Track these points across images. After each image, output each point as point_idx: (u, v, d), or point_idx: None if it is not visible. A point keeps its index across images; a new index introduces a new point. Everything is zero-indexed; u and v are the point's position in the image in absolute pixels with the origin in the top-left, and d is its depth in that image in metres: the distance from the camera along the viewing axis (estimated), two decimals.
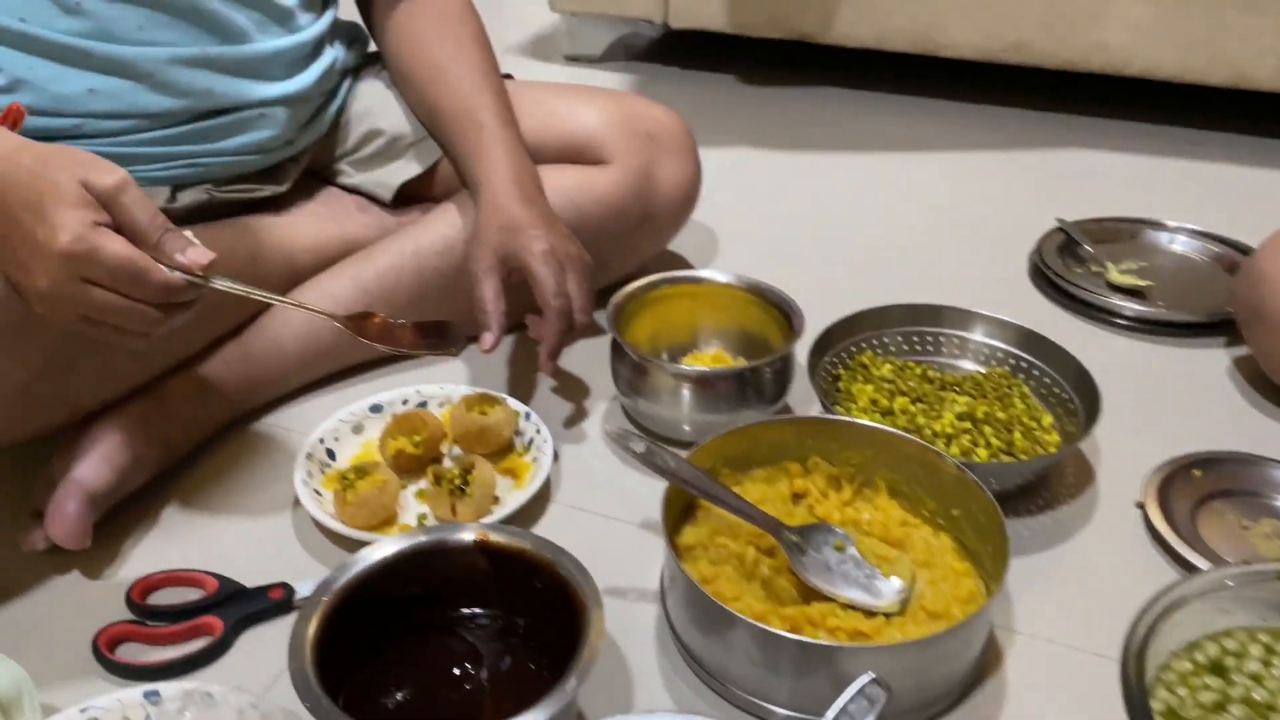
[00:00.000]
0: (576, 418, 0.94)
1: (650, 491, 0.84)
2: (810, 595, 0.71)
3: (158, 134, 0.84)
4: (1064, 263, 1.16)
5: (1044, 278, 1.15)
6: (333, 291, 0.94)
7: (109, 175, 0.62)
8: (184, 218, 0.88)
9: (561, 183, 0.96)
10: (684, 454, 0.74)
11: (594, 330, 0.98)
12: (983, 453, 0.84)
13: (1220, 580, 0.58)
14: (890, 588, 0.71)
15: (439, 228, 0.97)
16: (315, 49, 0.94)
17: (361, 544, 0.75)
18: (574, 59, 1.84)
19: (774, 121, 1.60)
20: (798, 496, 0.80)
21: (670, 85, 1.74)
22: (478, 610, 0.67)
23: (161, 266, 0.63)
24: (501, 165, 0.90)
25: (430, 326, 0.80)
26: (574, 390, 0.98)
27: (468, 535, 0.66)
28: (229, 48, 0.85)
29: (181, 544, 0.79)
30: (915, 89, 1.72)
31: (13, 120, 0.69)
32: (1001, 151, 1.51)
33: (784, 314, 0.91)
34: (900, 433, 0.78)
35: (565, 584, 0.62)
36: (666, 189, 1.03)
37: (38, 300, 0.63)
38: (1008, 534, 0.68)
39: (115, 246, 0.61)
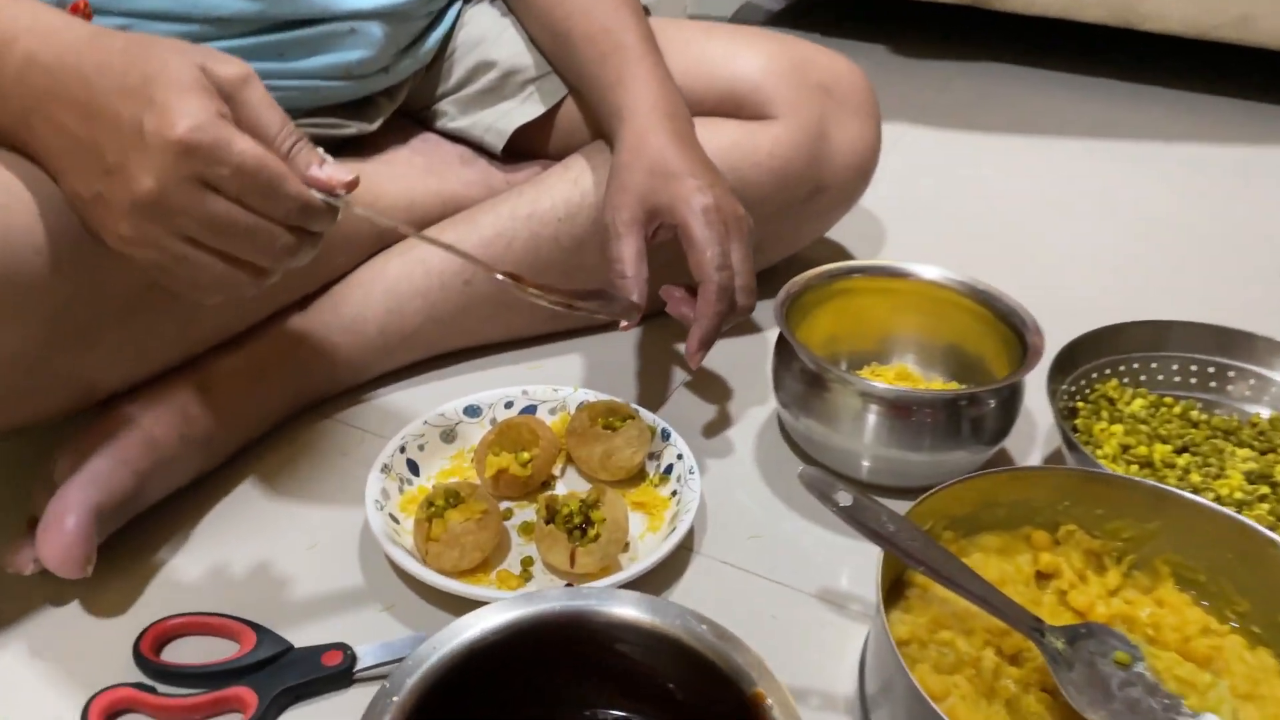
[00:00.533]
0: (721, 437, 0.73)
1: (827, 547, 0.64)
2: None
3: (225, 44, 0.66)
4: None
5: None
6: (426, 258, 0.75)
7: (231, 64, 0.47)
8: None
9: (715, 139, 0.75)
10: (897, 509, 0.52)
11: (747, 323, 0.78)
12: None
13: None
14: None
15: (560, 187, 0.77)
16: None
17: (448, 596, 0.56)
18: (699, 20, 1.63)
19: (936, 99, 1.37)
20: (1044, 577, 0.58)
21: None
22: (616, 714, 0.47)
23: (297, 169, 0.48)
24: (649, 93, 0.70)
25: (589, 291, 0.62)
26: (717, 399, 0.77)
27: (612, 609, 0.46)
28: None
29: (213, 578, 0.60)
30: (1106, 69, 1.47)
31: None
32: (1228, 147, 1.25)
33: (1012, 328, 0.69)
34: (1204, 501, 0.55)
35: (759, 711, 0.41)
36: (843, 155, 0.82)
37: (128, 215, 0.46)
38: None
39: (247, 143, 0.46)
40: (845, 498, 0.52)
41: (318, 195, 0.48)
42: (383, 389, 0.76)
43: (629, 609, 0.45)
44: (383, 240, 0.76)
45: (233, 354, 0.67)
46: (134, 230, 0.46)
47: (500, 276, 0.54)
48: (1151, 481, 0.57)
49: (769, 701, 0.42)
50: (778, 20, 1.67)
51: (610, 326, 0.82)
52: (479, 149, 0.83)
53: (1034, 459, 0.72)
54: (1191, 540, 0.56)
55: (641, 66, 0.72)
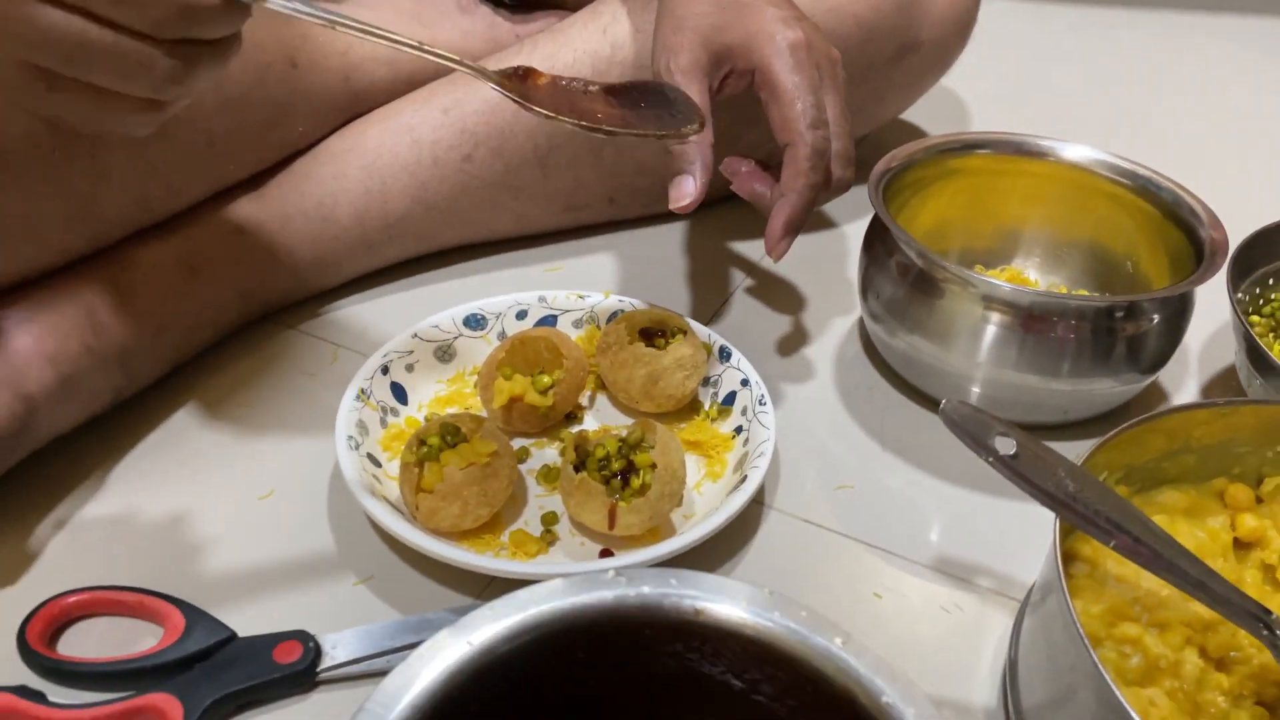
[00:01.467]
0: (792, 356, 0.58)
1: (941, 500, 0.49)
2: None
3: None
4: None
5: None
6: (414, 125, 0.59)
7: None
8: None
9: None
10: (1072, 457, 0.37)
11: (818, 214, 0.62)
12: None
13: None
14: None
15: (585, 38, 0.60)
16: None
17: (445, 566, 0.42)
18: None
19: None
20: (1242, 545, 0.43)
21: None
22: None
23: None
24: None
25: (633, 92, 0.45)
26: (788, 308, 0.61)
27: (676, 597, 0.31)
28: None
29: (131, 539, 0.45)
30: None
31: None
32: None
33: (1178, 225, 0.53)
34: None
35: None
36: (939, 5, 0.66)
37: None
38: None
39: None
40: (1007, 444, 0.37)
41: None
42: (359, 294, 0.60)
43: (730, 608, 0.30)
44: (359, 104, 0.59)
45: (160, 241, 0.51)
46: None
47: (494, 86, 0.39)
48: None
49: None
50: None
51: (648, 220, 0.67)
52: None
53: (1189, 390, 0.57)
54: None
55: None
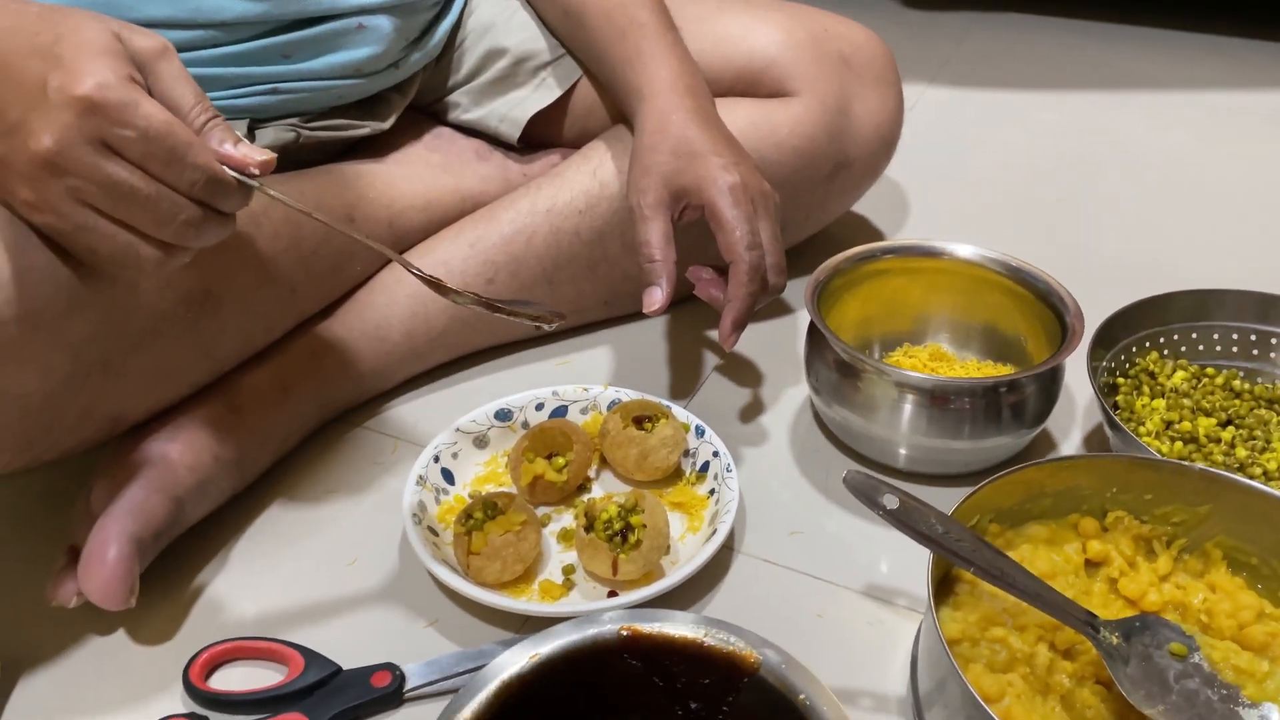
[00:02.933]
0: (755, 430, 0.72)
1: (870, 540, 0.63)
2: (1130, 717, 0.49)
3: (229, 50, 0.65)
4: None
5: None
6: (448, 259, 0.73)
7: (150, 37, 0.47)
8: None
9: (732, 121, 0.73)
10: (938, 504, 0.52)
11: (776, 304, 0.77)
12: None
13: None
14: None
15: (579, 179, 0.75)
16: None
17: (489, 608, 0.56)
18: None
19: (955, 54, 1.34)
20: (1093, 565, 0.57)
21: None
22: None
23: (209, 146, 0.47)
24: (668, 71, 0.69)
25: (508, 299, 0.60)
26: (749, 386, 0.76)
27: (674, 629, 0.45)
28: None
29: (255, 600, 0.60)
30: (1127, 16, 1.43)
31: None
32: (1255, 92, 1.22)
33: (1050, 308, 0.67)
34: (1253, 484, 0.54)
35: None
36: (865, 129, 0.80)
37: (28, 175, 0.44)
38: None
39: (155, 108, 0.45)
40: (892, 500, 0.51)
41: (230, 172, 0.47)
42: (410, 393, 0.75)
43: (666, 628, 0.44)
44: (401, 244, 0.74)
45: (258, 370, 0.66)
46: (33, 193, 0.45)
47: (416, 271, 0.53)
48: (1200, 465, 0.56)
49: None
50: None
51: (637, 316, 0.82)
52: (494, 140, 0.81)
53: (1075, 438, 0.71)
54: (1243, 523, 0.55)
55: (659, 43, 0.70)
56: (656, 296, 0.64)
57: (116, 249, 0.46)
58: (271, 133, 0.68)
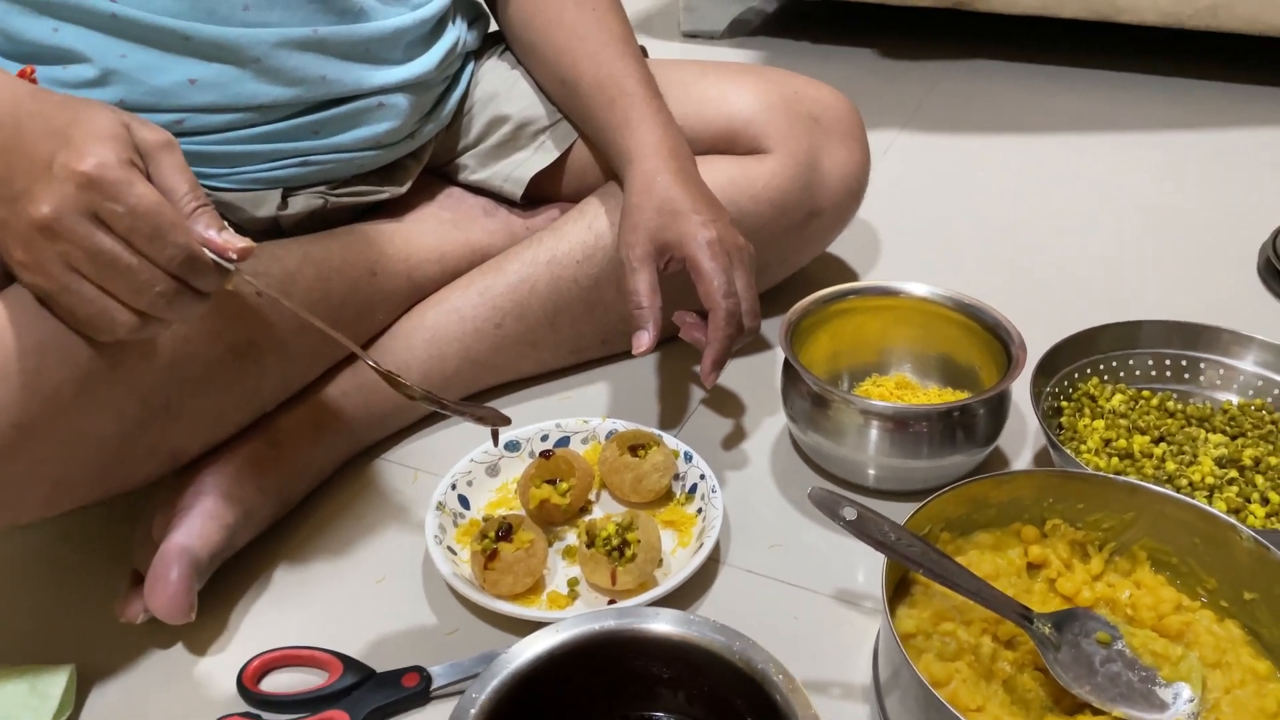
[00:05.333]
0: (738, 455, 0.80)
1: (840, 551, 0.71)
2: (1064, 698, 0.57)
3: (266, 129, 0.73)
4: None
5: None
6: (460, 307, 0.82)
7: (155, 131, 0.52)
8: (294, 227, 0.77)
9: (714, 177, 0.82)
10: (894, 515, 0.59)
11: (756, 341, 0.84)
12: (1258, 510, 0.68)
13: None
14: (1177, 697, 0.55)
15: (575, 232, 0.84)
16: (437, 27, 0.82)
17: (506, 617, 0.64)
18: (693, 35, 1.69)
19: (926, 101, 1.43)
20: (1034, 567, 0.65)
21: (803, 62, 1.57)
22: (663, 716, 0.55)
23: (193, 229, 0.52)
24: (653, 136, 0.77)
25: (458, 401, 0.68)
26: (733, 416, 0.84)
27: (651, 626, 0.53)
28: (344, 26, 0.73)
29: (297, 612, 0.68)
30: (1087, 60, 1.52)
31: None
32: (1202, 131, 1.31)
33: (998, 339, 0.76)
34: (1170, 493, 0.62)
35: (780, 712, 0.49)
36: (834, 181, 0.89)
37: (24, 238, 0.50)
38: None
39: (146, 188, 0.50)
40: (850, 512, 0.59)
41: (209, 254, 0.52)
42: (428, 428, 0.83)
43: (659, 625, 0.52)
44: (419, 293, 0.83)
45: (294, 410, 0.74)
46: (27, 254, 0.50)
47: (372, 364, 0.60)
48: (1124, 477, 0.63)
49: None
50: (768, 28, 1.73)
51: (631, 354, 0.90)
52: (499, 198, 0.90)
53: (1026, 455, 0.78)
54: (1164, 527, 0.62)
55: (645, 110, 0.79)
56: (644, 340, 0.73)
57: (94, 312, 0.51)
58: (303, 200, 0.76)
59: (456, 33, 0.85)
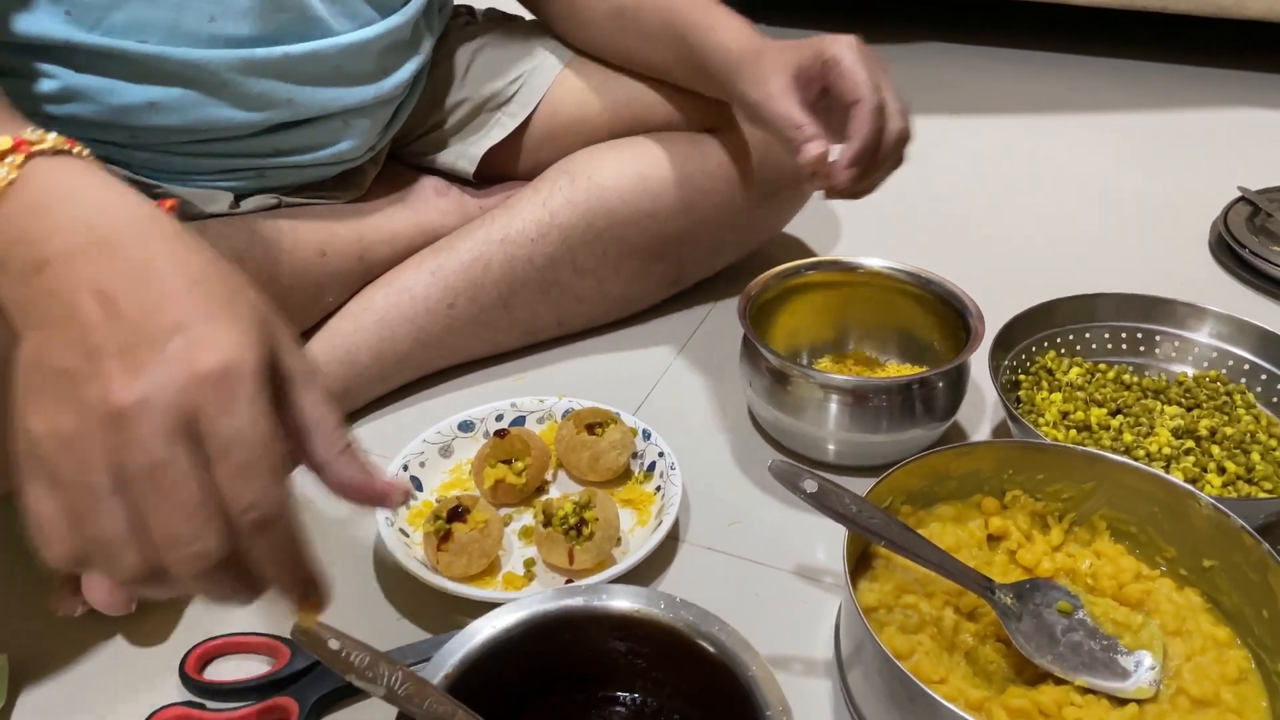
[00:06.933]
0: (699, 433, 0.79)
1: (801, 526, 0.70)
2: (1026, 669, 0.56)
3: (223, 145, 0.70)
4: (1257, 238, 0.98)
5: (1231, 255, 0.98)
6: (411, 286, 0.80)
7: (304, 359, 0.39)
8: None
9: (671, 150, 0.81)
10: (855, 489, 0.59)
11: (715, 318, 0.83)
12: (1215, 480, 0.68)
13: None
14: (1139, 665, 0.55)
15: (530, 210, 0.82)
16: (411, 40, 0.79)
17: (460, 599, 0.62)
18: None
19: None
20: (994, 539, 0.64)
21: None
22: (625, 694, 0.53)
23: (341, 470, 0.39)
24: (742, 25, 0.76)
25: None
26: (692, 396, 0.83)
27: (607, 603, 0.52)
28: (312, 44, 0.70)
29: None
30: (1037, 42, 1.53)
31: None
32: (1154, 112, 1.32)
33: (957, 313, 0.75)
34: (1130, 462, 0.62)
35: (741, 686, 0.47)
36: (790, 160, 0.87)
37: (79, 406, 0.35)
38: None
39: (267, 416, 0.35)
40: (811, 485, 0.58)
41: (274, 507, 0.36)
42: (380, 411, 0.81)
43: (619, 601, 0.51)
44: (371, 274, 0.80)
45: None
46: (67, 427, 0.35)
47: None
48: (1082, 447, 0.63)
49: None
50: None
51: (590, 333, 0.89)
52: (452, 177, 0.88)
53: (984, 429, 0.78)
54: (1123, 497, 0.62)
55: (720, 10, 0.78)
56: (814, 147, 0.66)
57: (100, 538, 0.35)
58: (255, 200, 0.74)
59: (429, 45, 0.82)
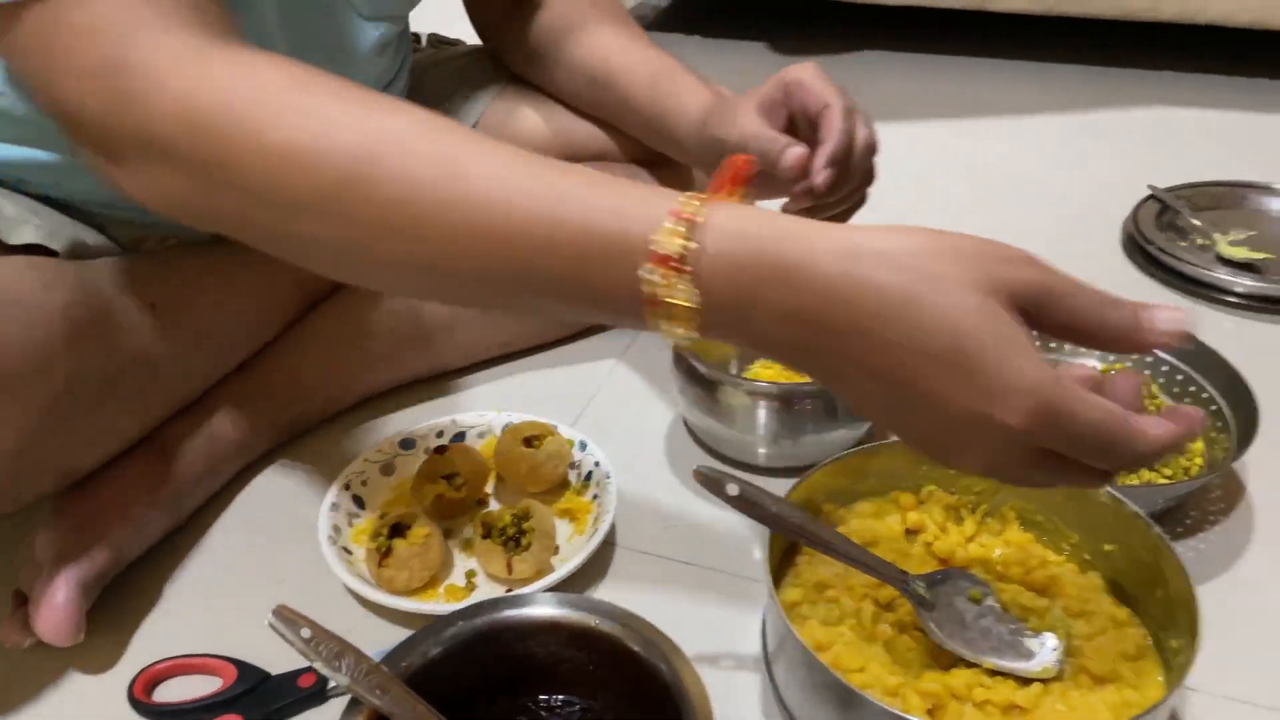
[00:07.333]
0: (635, 442, 0.82)
1: (732, 529, 0.73)
2: (942, 655, 0.59)
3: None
4: (1164, 235, 1.03)
5: (1141, 252, 1.03)
6: (355, 313, 0.82)
7: (1023, 268, 0.43)
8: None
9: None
10: (781, 491, 0.62)
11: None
12: None
13: None
14: (1043, 646, 0.59)
15: None
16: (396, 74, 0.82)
17: (403, 613, 0.64)
18: None
19: None
20: (912, 533, 0.68)
21: (694, 55, 1.59)
22: (560, 698, 0.56)
23: (1143, 426, 0.43)
24: (705, 90, 0.79)
25: None
26: (630, 409, 0.85)
27: (536, 611, 0.54)
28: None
29: (190, 623, 0.67)
30: (966, 48, 1.58)
31: (744, 178, 0.57)
32: (1073, 113, 1.38)
33: None
34: None
35: (667, 684, 0.50)
36: None
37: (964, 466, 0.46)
38: (1189, 582, 0.56)
39: (1086, 410, 0.42)
40: (734, 488, 0.61)
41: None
42: (322, 430, 0.83)
43: (550, 609, 0.53)
44: (311, 299, 0.82)
45: (185, 421, 0.73)
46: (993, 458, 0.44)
47: None
48: None
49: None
50: (661, 24, 1.75)
51: (531, 351, 0.91)
52: None
53: None
54: (1029, 488, 0.66)
55: (689, 78, 0.80)
56: (795, 152, 0.67)
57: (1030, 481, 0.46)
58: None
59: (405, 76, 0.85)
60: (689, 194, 0.44)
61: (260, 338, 0.79)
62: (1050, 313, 0.43)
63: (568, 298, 0.45)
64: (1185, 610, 0.55)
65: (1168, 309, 0.45)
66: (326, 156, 0.44)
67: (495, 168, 0.44)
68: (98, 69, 0.46)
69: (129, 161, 0.47)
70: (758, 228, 0.43)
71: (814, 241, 0.42)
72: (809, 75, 0.70)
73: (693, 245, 0.42)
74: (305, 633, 0.49)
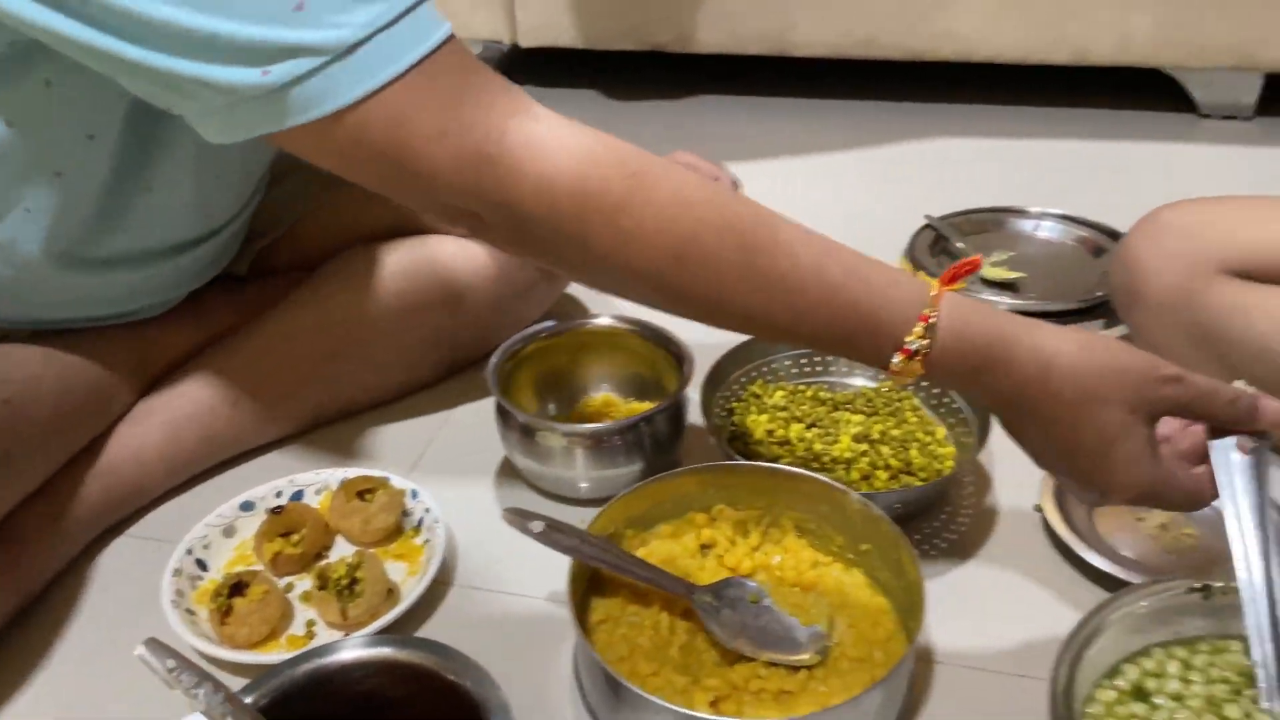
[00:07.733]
0: (468, 487, 0.89)
1: (555, 561, 0.80)
2: (729, 654, 0.69)
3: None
4: (937, 260, 1.17)
5: None
6: (193, 390, 0.86)
7: (1161, 386, 0.59)
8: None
9: (439, 251, 0.91)
10: (584, 523, 0.70)
11: (477, 383, 0.94)
12: (882, 474, 0.83)
13: (1135, 602, 0.58)
14: (811, 637, 0.68)
15: (311, 308, 0.90)
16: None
17: (246, 665, 0.70)
18: None
19: (642, 136, 1.55)
20: (706, 547, 0.77)
21: None
22: None
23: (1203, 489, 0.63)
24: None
25: None
26: (462, 456, 0.93)
27: (356, 654, 0.61)
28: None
29: (38, 700, 0.71)
30: (773, 90, 1.72)
31: (965, 272, 0.63)
32: (864, 148, 1.52)
33: (673, 355, 0.88)
34: (801, 471, 0.76)
35: (475, 704, 0.58)
36: None
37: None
38: (919, 571, 0.67)
39: (1178, 486, 0.62)
40: (537, 525, 0.69)
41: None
42: (169, 500, 0.87)
43: (369, 650, 0.60)
44: (150, 379, 0.87)
45: (32, 505, 0.76)
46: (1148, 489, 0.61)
47: None
48: (763, 463, 0.77)
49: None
50: (503, 72, 1.82)
51: (365, 410, 0.97)
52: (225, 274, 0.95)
53: (715, 452, 0.91)
54: (799, 500, 0.76)
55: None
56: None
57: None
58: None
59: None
60: (932, 295, 0.59)
61: (102, 420, 0.83)
62: (1184, 414, 0.61)
63: (825, 348, 0.67)
64: (918, 594, 0.66)
65: (1274, 404, 0.61)
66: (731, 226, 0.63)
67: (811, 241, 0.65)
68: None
69: None
70: (974, 328, 0.59)
71: (1014, 350, 0.59)
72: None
73: (927, 343, 0.58)
74: (170, 663, 0.55)
